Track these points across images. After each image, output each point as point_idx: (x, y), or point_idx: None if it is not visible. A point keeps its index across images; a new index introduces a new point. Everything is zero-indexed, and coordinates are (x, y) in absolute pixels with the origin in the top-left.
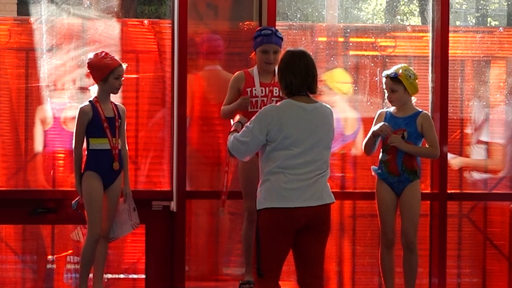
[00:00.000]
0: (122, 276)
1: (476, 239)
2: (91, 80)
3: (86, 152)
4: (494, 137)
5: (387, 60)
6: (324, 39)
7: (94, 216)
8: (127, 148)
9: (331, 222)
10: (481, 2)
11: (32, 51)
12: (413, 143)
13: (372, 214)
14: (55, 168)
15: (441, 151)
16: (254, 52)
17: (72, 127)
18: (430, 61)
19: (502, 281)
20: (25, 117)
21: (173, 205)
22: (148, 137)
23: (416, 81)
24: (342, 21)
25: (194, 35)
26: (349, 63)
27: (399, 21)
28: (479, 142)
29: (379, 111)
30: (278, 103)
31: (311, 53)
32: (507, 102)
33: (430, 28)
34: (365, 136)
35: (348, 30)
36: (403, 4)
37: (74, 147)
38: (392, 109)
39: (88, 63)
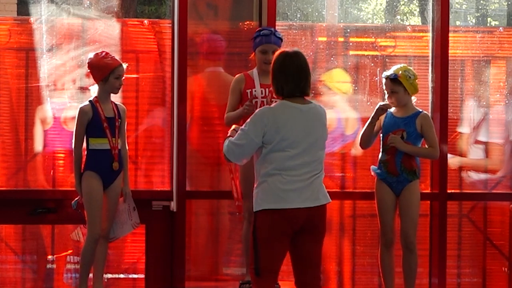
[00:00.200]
0: (122, 276)
1: (476, 239)
2: (91, 80)
3: (86, 152)
4: (492, 137)
5: (387, 60)
6: (324, 39)
7: (94, 216)
8: (127, 148)
9: (331, 222)
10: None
11: (32, 51)
12: (413, 143)
13: (372, 214)
14: (55, 168)
15: (441, 151)
16: (253, 53)
17: (72, 127)
18: (430, 61)
19: (502, 281)
20: (25, 117)
21: (173, 205)
22: (148, 137)
23: (416, 81)
24: (342, 21)
25: (194, 35)
26: (349, 63)
27: (399, 21)
28: (477, 142)
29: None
30: (273, 104)
31: (311, 53)
32: (507, 102)
33: (430, 28)
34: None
35: (348, 30)
36: (403, 4)
37: (74, 147)
38: (392, 109)
39: (88, 63)
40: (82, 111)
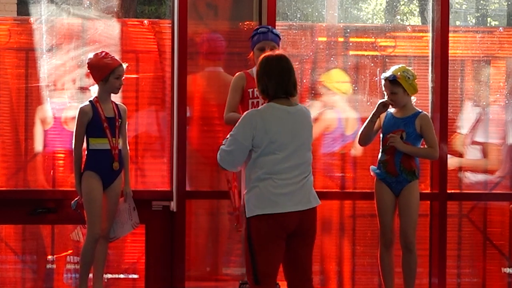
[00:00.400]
0: (122, 276)
1: (476, 239)
2: (91, 80)
3: (86, 152)
4: (491, 137)
5: (387, 60)
6: (324, 39)
7: (94, 216)
8: (128, 148)
9: (331, 222)
10: (481, 2)
11: (32, 51)
12: (412, 143)
13: (372, 214)
14: (55, 168)
15: (440, 151)
16: (252, 52)
17: (72, 127)
18: (430, 61)
19: (502, 281)
20: (25, 117)
21: (173, 205)
22: (148, 137)
23: (415, 81)
24: (342, 21)
25: (194, 35)
26: (349, 63)
27: (399, 21)
28: (474, 142)
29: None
30: (260, 107)
31: (310, 53)
32: (506, 102)
33: (430, 28)
34: None
35: (348, 30)
36: (403, 4)
37: (74, 147)
38: (392, 109)
39: (88, 63)
40: (82, 111)
